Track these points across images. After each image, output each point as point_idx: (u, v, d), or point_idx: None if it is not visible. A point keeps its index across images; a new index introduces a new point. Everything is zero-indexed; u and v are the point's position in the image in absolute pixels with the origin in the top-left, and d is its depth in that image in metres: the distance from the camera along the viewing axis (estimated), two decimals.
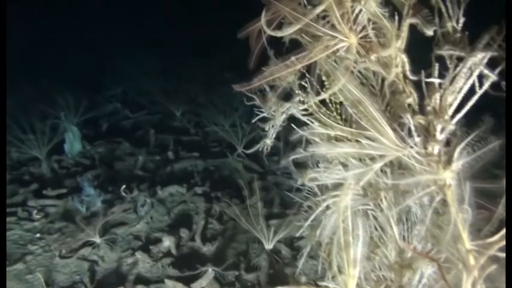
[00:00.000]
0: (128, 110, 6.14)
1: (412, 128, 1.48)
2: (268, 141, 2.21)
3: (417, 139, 1.45)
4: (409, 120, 1.48)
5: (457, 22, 1.39)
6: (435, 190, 1.46)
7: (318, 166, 1.97)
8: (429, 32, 1.40)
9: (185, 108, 6.01)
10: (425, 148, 1.45)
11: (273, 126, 2.18)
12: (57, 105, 5.46)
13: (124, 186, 3.79)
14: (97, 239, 3.21)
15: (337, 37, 1.57)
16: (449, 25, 1.40)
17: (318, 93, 1.90)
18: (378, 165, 1.60)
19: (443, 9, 1.40)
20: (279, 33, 1.66)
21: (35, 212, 3.54)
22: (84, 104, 5.51)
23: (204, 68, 8.03)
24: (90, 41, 9.75)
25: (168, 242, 3.18)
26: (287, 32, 1.63)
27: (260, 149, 2.23)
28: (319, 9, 1.54)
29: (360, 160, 1.72)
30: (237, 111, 5.66)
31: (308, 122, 2.03)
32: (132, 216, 3.58)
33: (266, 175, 4.20)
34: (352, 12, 1.57)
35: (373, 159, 1.63)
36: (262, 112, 2.13)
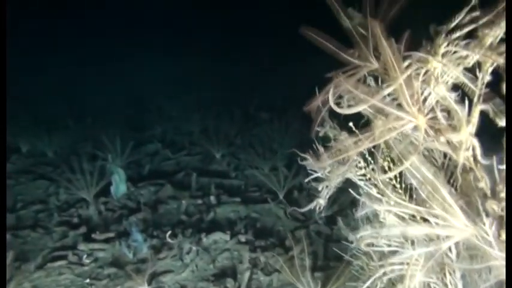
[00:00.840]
0: (168, 151, 6.30)
1: (481, 209, 1.50)
2: (322, 201, 2.25)
3: (488, 222, 1.46)
4: (480, 203, 1.50)
5: None
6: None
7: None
8: (501, 123, 1.43)
9: (224, 150, 6.11)
10: (499, 235, 1.45)
11: (327, 187, 2.22)
12: (103, 146, 5.69)
13: (169, 232, 3.87)
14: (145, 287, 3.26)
15: (404, 118, 1.60)
16: None
17: (378, 162, 1.94)
18: (446, 245, 1.60)
19: None
20: (346, 111, 1.70)
21: (85, 256, 3.64)
22: (130, 145, 5.71)
23: (241, 108, 8.20)
24: (128, 79, 10.18)
25: None
26: (355, 111, 1.68)
27: (313, 208, 2.27)
28: (388, 90, 1.59)
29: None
30: (276, 154, 5.74)
31: (365, 186, 2.07)
32: (177, 264, 3.63)
33: (308, 223, 4.20)
34: (422, 93, 1.62)
35: (438, 236, 1.64)
36: (313, 171, 2.18)
